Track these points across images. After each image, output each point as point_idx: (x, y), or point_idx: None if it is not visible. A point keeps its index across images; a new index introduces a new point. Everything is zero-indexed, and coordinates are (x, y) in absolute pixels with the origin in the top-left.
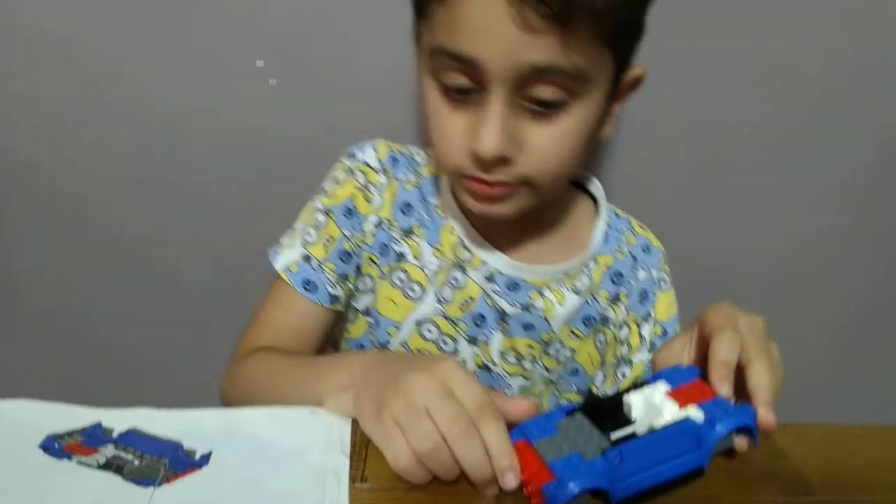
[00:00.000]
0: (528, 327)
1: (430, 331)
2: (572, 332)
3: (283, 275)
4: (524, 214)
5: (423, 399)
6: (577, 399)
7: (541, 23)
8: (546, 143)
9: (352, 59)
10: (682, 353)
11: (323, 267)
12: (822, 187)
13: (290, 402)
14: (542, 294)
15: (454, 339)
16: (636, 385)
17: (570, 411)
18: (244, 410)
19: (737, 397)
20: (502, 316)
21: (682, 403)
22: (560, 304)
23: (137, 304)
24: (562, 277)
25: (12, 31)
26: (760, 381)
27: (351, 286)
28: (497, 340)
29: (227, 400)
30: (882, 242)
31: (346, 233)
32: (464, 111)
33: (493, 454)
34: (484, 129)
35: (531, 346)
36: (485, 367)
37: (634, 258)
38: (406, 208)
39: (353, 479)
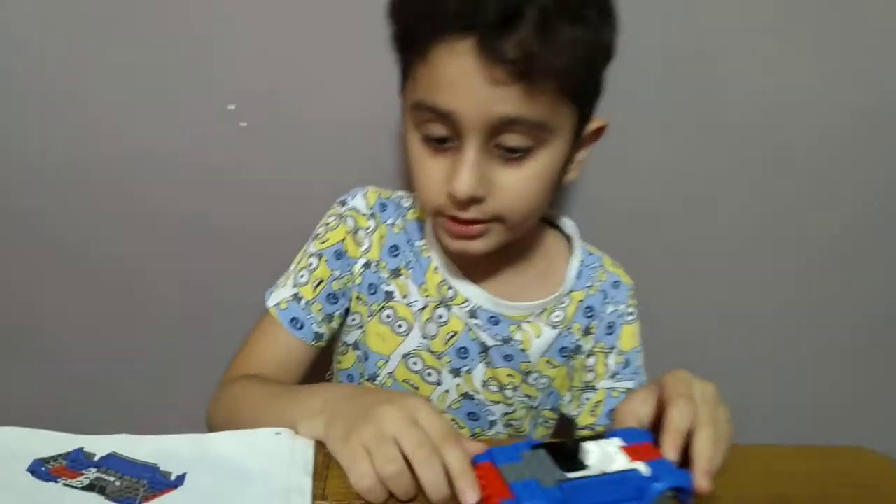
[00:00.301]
0: (507, 358)
1: (415, 363)
2: (549, 362)
3: (272, 311)
4: (502, 253)
5: (391, 428)
6: (552, 416)
7: (508, 79)
8: (514, 184)
9: (323, 103)
10: (642, 408)
11: (311, 307)
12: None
13: (267, 425)
14: (520, 327)
15: (438, 371)
16: (595, 437)
17: (535, 446)
18: (214, 435)
19: (684, 456)
20: (484, 348)
21: (633, 458)
22: (537, 337)
23: (110, 330)
24: (539, 312)
25: None
26: (703, 450)
27: (335, 325)
28: (479, 371)
29: (212, 421)
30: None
31: (336, 273)
32: (442, 158)
33: (455, 475)
34: (459, 173)
35: (511, 376)
36: (468, 396)
37: (605, 293)
38: (394, 250)
39: (315, 497)
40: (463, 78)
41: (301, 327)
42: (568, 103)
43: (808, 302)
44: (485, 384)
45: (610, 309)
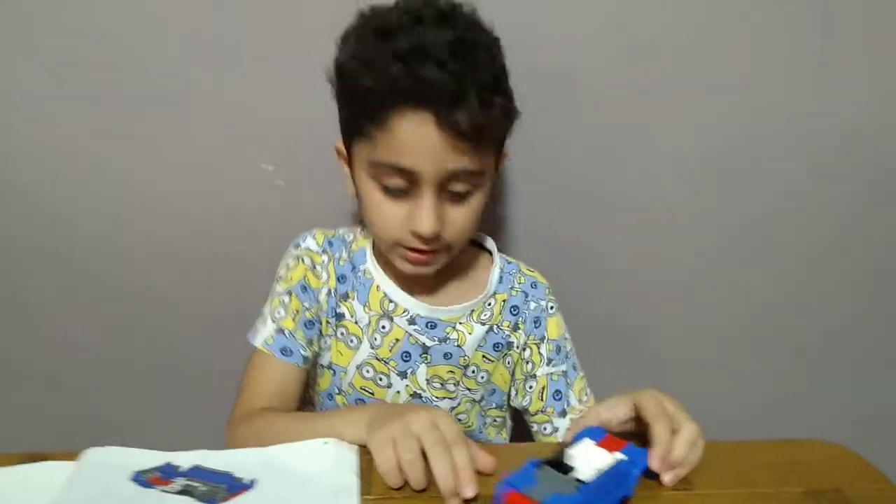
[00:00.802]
0: (447, 356)
1: (368, 371)
2: (485, 356)
3: (262, 348)
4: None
5: (416, 427)
6: (499, 414)
7: (460, 144)
8: (460, 219)
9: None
10: (607, 412)
11: (294, 335)
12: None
13: (306, 439)
14: (455, 328)
15: (387, 375)
16: (569, 444)
17: (537, 465)
18: (274, 447)
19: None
20: (425, 349)
21: (610, 451)
22: (470, 334)
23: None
24: (469, 313)
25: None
26: (678, 448)
27: (316, 348)
28: (422, 371)
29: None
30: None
31: (306, 304)
32: (401, 202)
33: (459, 470)
34: (422, 216)
35: (452, 372)
36: (416, 395)
37: (525, 293)
38: (342, 278)
39: (362, 493)
40: (423, 143)
41: (290, 354)
42: (494, 152)
43: (774, 308)
44: (428, 382)
45: (532, 305)
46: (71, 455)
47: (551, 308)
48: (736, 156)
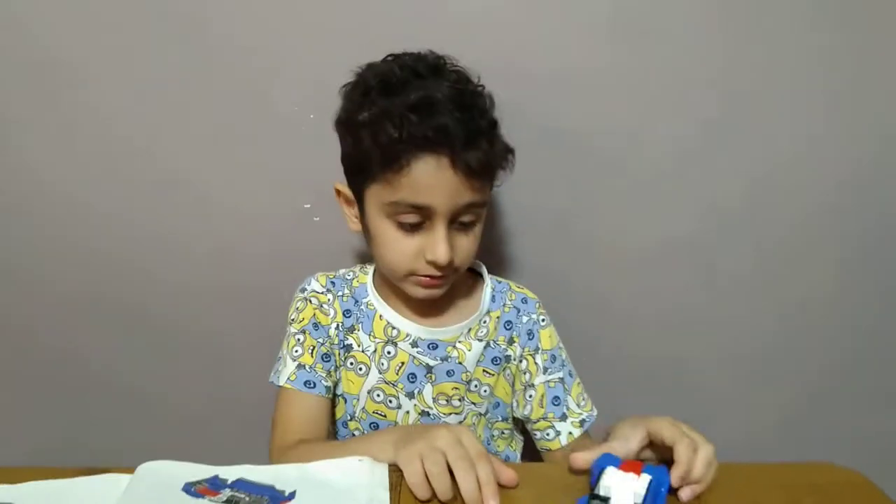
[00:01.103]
0: (449, 373)
1: (378, 395)
2: (485, 371)
3: (287, 385)
4: None
5: (441, 443)
6: (506, 427)
7: (471, 180)
8: (467, 246)
9: None
10: (630, 436)
11: (314, 368)
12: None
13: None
14: (455, 347)
15: (396, 397)
16: (598, 477)
17: (586, 501)
18: (313, 463)
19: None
20: (429, 370)
21: (633, 472)
22: (469, 351)
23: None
24: (467, 332)
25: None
26: (697, 466)
27: (335, 378)
28: (428, 390)
29: None
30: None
31: (320, 340)
32: (415, 235)
33: (483, 483)
34: (438, 247)
35: (456, 388)
36: (424, 413)
37: (517, 309)
38: (347, 313)
39: None
40: (439, 182)
41: (314, 386)
42: (491, 185)
43: (785, 338)
44: (435, 399)
45: (525, 319)
46: (127, 469)
47: (543, 321)
48: (752, 191)
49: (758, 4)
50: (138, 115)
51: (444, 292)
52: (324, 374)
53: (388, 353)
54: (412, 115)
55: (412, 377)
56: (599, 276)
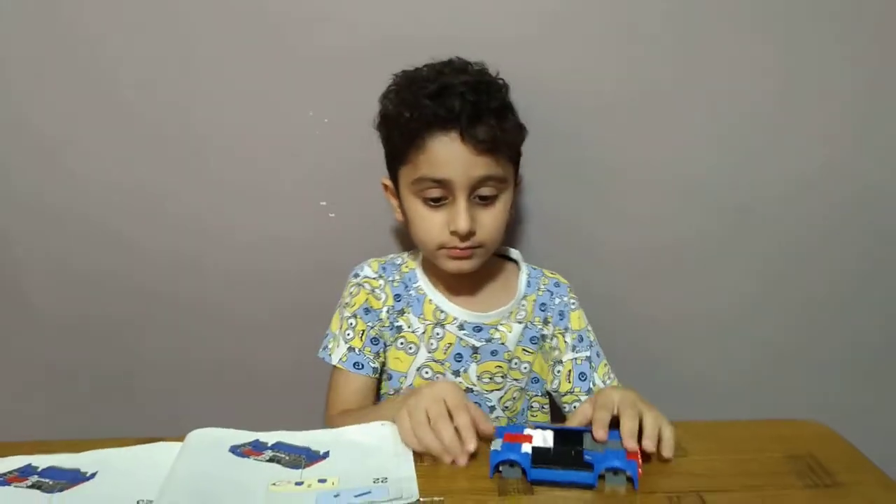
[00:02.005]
0: (493, 353)
1: (426, 372)
2: (525, 350)
3: (338, 366)
4: (475, 280)
5: (425, 402)
6: (543, 401)
7: (482, 153)
8: (490, 220)
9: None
10: (578, 411)
11: (363, 352)
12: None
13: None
14: (497, 328)
15: (443, 375)
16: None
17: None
18: (343, 428)
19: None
20: (475, 350)
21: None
22: (510, 332)
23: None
24: (507, 315)
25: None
26: (647, 426)
27: (382, 360)
28: (473, 369)
29: None
30: None
31: (370, 324)
32: (439, 210)
33: (460, 430)
34: (459, 217)
35: (499, 366)
36: (469, 390)
37: (550, 292)
38: (398, 297)
39: (416, 460)
40: (452, 156)
41: (362, 367)
42: (511, 164)
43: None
44: (479, 377)
45: (557, 301)
46: (178, 438)
47: (573, 304)
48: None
49: (766, 6)
50: (175, 108)
51: (474, 268)
52: (371, 356)
53: (437, 334)
54: (429, 101)
55: (459, 357)
56: (608, 277)
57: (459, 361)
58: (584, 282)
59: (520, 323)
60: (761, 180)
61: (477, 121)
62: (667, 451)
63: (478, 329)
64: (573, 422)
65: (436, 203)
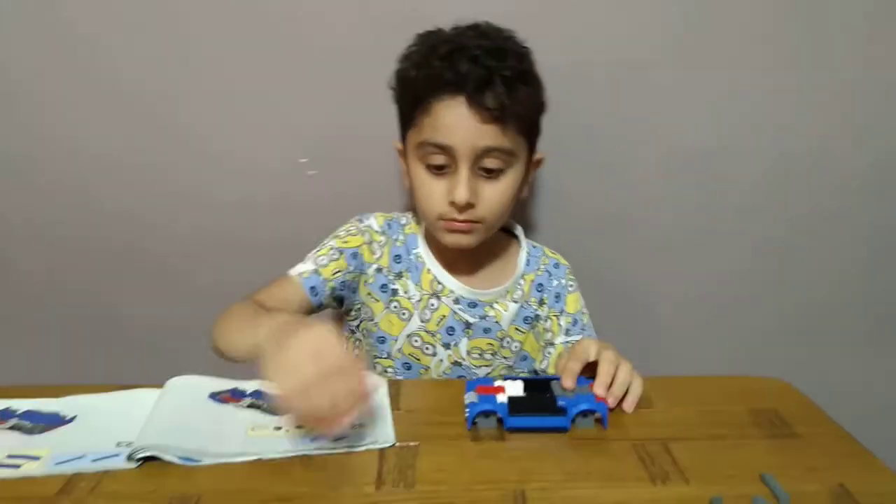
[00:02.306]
0: (486, 330)
1: (416, 341)
2: (517, 329)
3: (296, 277)
4: (475, 255)
5: (296, 359)
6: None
7: (488, 121)
8: (492, 195)
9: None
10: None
11: (326, 285)
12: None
13: (242, 342)
14: (492, 307)
15: (433, 346)
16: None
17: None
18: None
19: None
20: (468, 325)
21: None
22: (505, 311)
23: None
24: (504, 293)
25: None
26: (620, 376)
27: (334, 305)
28: (464, 343)
29: (215, 326)
30: None
31: (350, 269)
32: (442, 179)
33: (338, 401)
34: (458, 187)
35: (490, 344)
36: (457, 364)
37: (549, 273)
38: (397, 259)
39: (393, 409)
40: (458, 122)
41: (315, 294)
42: (523, 138)
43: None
44: (469, 353)
45: (555, 283)
46: (158, 385)
47: (570, 286)
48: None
49: (765, 6)
50: (153, 72)
51: (473, 245)
52: (327, 293)
53: (432, 305)
54: (439, 60)
55: (451, 330)
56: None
57: (451, 335)
58: (585, 256)
59: (515, 302)
60: (779, 152)
61: (486, 87)
62: (628, 406)
63: (473, 305)
64: (550, 371)
65: (439, 171)
